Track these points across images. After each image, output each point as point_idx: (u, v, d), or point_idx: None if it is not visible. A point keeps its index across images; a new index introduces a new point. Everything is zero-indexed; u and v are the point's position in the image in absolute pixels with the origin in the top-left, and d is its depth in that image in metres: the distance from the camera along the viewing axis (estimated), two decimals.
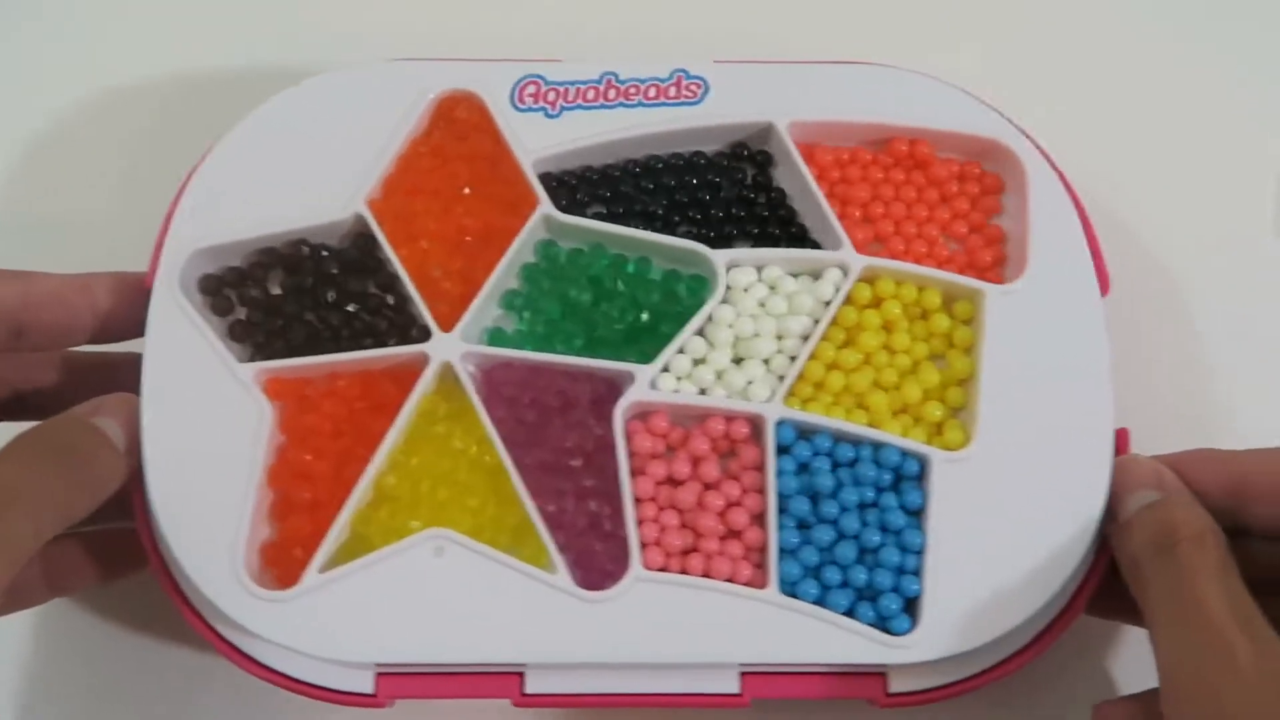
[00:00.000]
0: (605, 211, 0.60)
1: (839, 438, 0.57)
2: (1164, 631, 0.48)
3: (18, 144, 0.70)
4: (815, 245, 0.60)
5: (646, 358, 0.57)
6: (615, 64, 0.60)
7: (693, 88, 0.60)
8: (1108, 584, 0.55)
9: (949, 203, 0.61)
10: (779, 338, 0.58)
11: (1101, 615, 0.57)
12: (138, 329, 0.56)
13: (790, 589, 0.54)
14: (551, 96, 0.60)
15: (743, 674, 0.55)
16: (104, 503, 0.53)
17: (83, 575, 0.57)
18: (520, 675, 0.55)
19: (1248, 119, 0.71)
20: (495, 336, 0.58)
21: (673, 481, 0.57)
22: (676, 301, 0.59)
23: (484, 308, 0.58)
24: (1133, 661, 0.60)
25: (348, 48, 0.69)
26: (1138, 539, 0.51)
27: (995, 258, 0.60)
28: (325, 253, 0.59)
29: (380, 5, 0.73)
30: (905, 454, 0.56)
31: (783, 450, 0.56)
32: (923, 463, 0.56)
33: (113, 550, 0.58)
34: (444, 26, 0.72)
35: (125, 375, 0.55)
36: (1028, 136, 0.60)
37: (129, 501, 0.55)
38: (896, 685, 0.55)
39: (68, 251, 0.64)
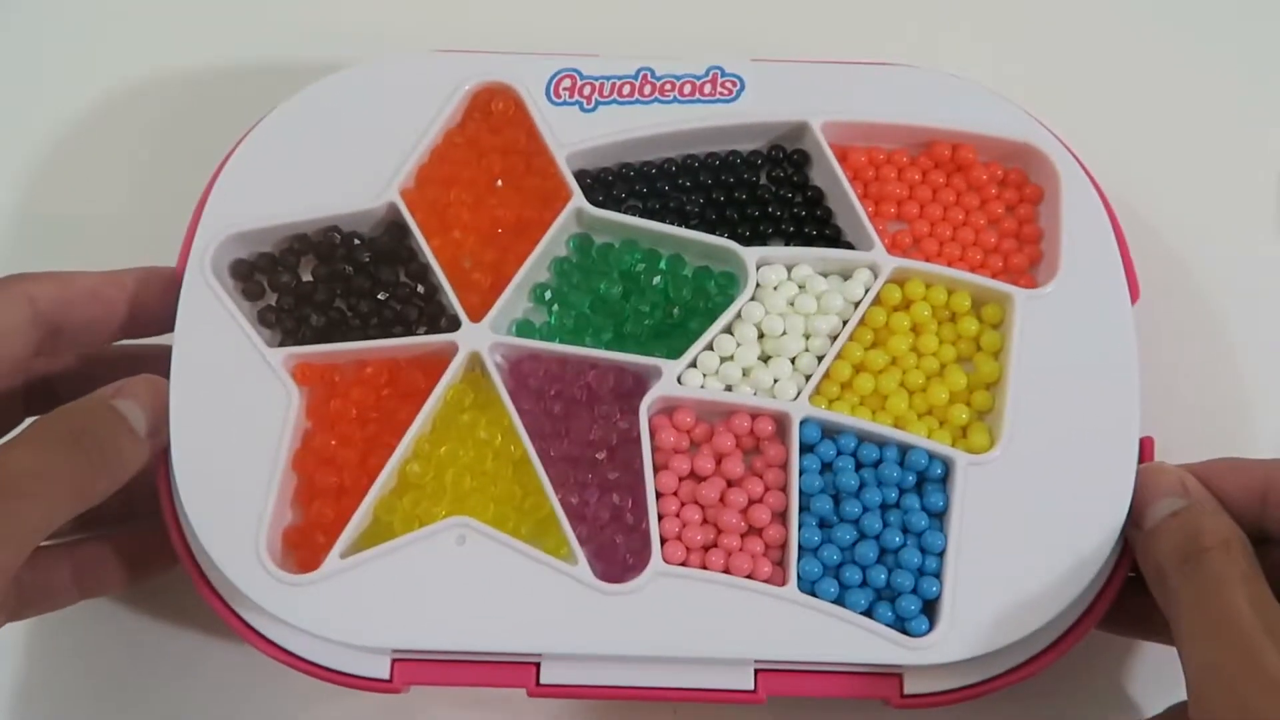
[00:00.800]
0: (640, 207, 0.60)
1: (863, 438, 0.57)
2: (1191, 640, 0.48)
3: (43, 140, 0.71)
4: (848, 246, 0.60)
5: (674, 353, 0.57)
6: (651, 60, 0.60)
7: (728, 85, 0.60)
8: (1120, 600, 0.55)
9: (985, 207, 0.61)
10: (807, 336, 0.58)
11: (1114, 631, 0.57)
12: (170, 323, 0.57)
13: (809, 587, 0.54)
14: (587, 91, 0.60)
15: (758, 671, 0.55)
16: (135, 495, 0.54)
17: (111, 577, 0.57)
18: (536, 665, 0.55)
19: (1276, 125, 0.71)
20: (524, 328, 0.59)
21: (696, 477, 0.57)
22: (706, 298, 0.59)
23: (514, 299, 0.58)
24: (1149, 667, 0.60)
25: (384, 39, 0.69)
26: (1163, 547, 0.51)
27: (1025, 261, 0.60)
28: (357, 241, 0.59)
29: None
30: (929, 456, 0.56)
31: (807, 449, 0.56)
32: (947, 465, 0.56)
33: (141, 552, 0.58)
34: (480, 19, 0.72)
35: (159, 367, 0.56)
36: (1061, 141, 0.60)
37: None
38: (912, 687, 0.54)
39: (97, 243, 0.66)
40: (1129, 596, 0.54)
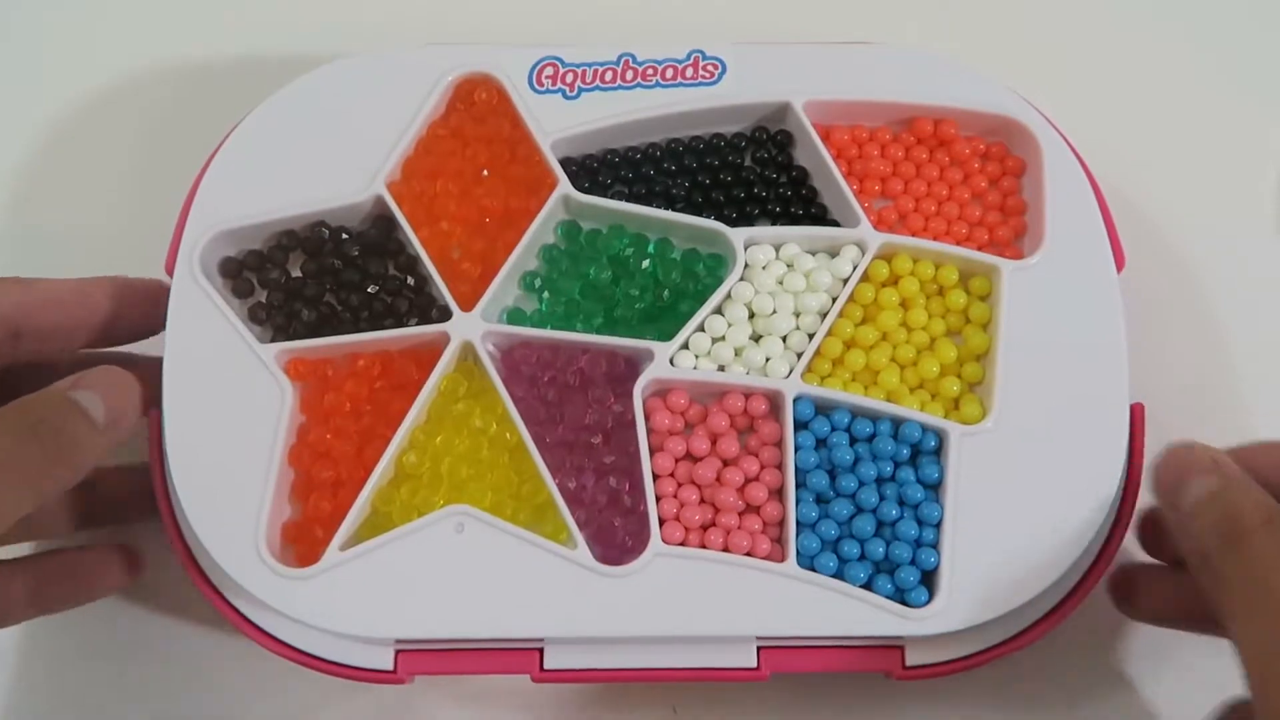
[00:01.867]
0: (626, 192, 0.61)
1: (857, 413, 0.57)
2: (1245, 623, 0.46)
3: (26, 139, 0.70)
4: (834, 224, 0.60)
5: (665, 335, 0.58)
6: (632, 45, 0.61)
7: (710, 68, 0.60)
8: (1156, 589, 0.55)
9: (969, 181, 0.61)
10: (797, 315, 0.58)
11: (1156, 623, 0.57)
12: (143, 332, 0.57)
13: (809, 562, 0.55)
14: (569, 78, 0.60)
15: (761, 648, 0.55)
16: (95, 505, 0.56)
17: (69, 592, 0.57)
18: (539, 651, 0.55)
19: (1256, 101, 0.71)
20: (515, 316, 0.59)
21: (692, 457, 0.57)
22: (695, 280, 0.59)
23: (504, 288, 0.59)
24: (1147, 633, 0.60)
25: (366, 33, 0.69)
26: (1203, 528, 0.49)
27: (1011, 234, 0.60)
28: (345, 235, 0.60)
29: None
30: (923, 428, 0.56)
31: (801, 426, 0.57)
32: (940, 437, 0.56)
33: (100, 566, 0.58)
34: (462, 10, 0.72)
35: (146, 371, 0.56)
36: (1042, 113, 0.60)
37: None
38: (913, 658, 0.55)
39: (83, 244, 0.65)
40: (1161, 583, 0.54)
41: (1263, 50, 0.71)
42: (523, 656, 0.55)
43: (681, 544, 0.55)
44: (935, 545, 0.54)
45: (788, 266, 0.59)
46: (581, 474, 0.56)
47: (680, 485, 0.56)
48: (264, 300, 0.59)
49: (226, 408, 0.56)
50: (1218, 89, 0.70)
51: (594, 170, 0.61)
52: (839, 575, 0.54)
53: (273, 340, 0.58)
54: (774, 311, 0.58)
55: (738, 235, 0.58)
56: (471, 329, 0.57)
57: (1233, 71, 0.71)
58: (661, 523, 0.55)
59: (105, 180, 0.69)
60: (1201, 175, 0.68)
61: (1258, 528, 0.47)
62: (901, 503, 0.55)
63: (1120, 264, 0.58)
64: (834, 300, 0.58)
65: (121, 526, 0.60)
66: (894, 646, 0.55)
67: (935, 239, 0.60)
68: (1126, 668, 0.60)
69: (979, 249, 0.59)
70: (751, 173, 0.61)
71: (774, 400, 0.57)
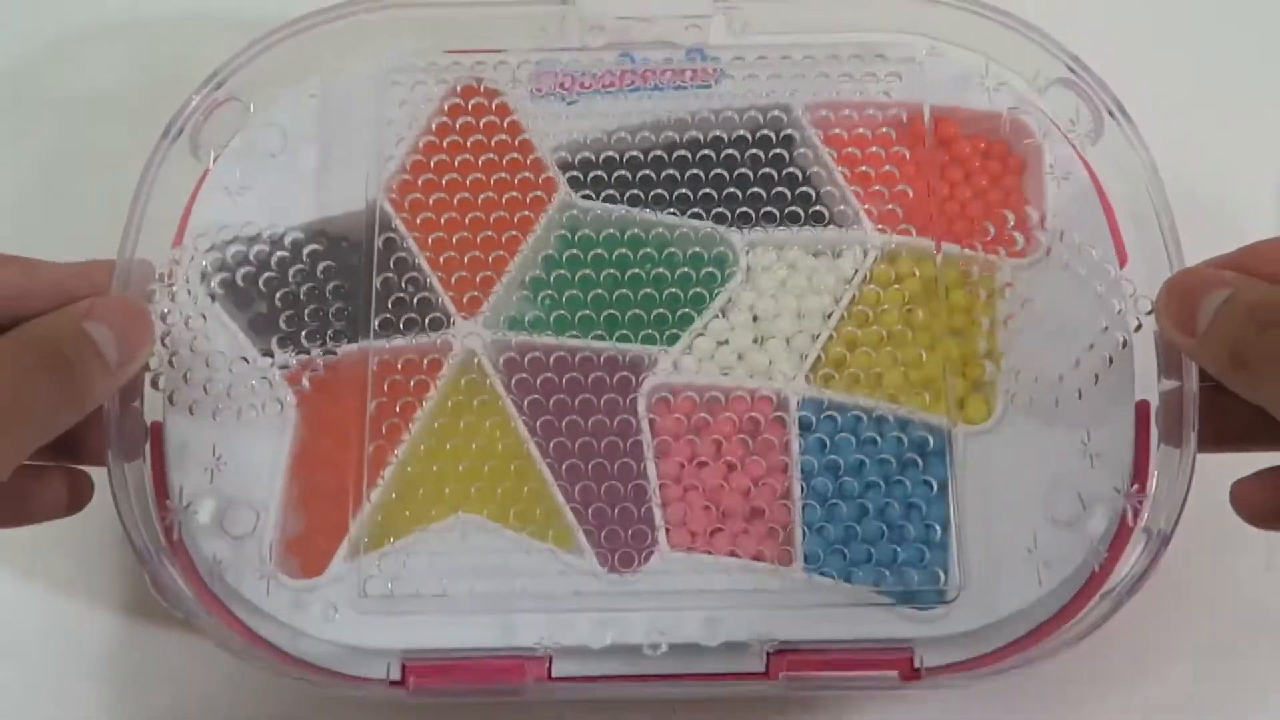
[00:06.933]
0: (627, 197, 0.60)
1: (861, 414, 0.57)
2: None
3: (32, 141, 0.70)
4: (836, 225, 0.60)
5: (668, 340, 0.58)
6: (631, 49, 0.60)
7: (709, 70, 0.60)
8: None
9: (970, 180, 0.61)
10: (800, 317, 0.58)
11: (1214, 450, 0.54)
12: None
13: (816, 566, 0.54)
14: (568, 83, 0.60)
15: (768, 653, 0.54)
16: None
17: (5, 513, 0.54)
18: (548, 659, 0.55)
19: (1257, 101, 0.71)
20: (516, 322, 0.59)
21: (697, 462, 0.57)
22: (697, 283, 0.59)
23: (505, 294, 0.59)
24: (1163, 629, 0.60)
25: (365, 38, 0.69)
26: (1233, 329, 0.47)
27: (1012, 233, 0.60)
28: (345, 243, 0.59)
29: None
30: (928, 428, 0.56)
31: (806, 428, 0.57)
32: (946, 436, 0.56)
33: (43, 490, 0.54)
34: (460, 14, 0.72)
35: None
36: (1043, 111, 0.60)
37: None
38: (923, 660, 0.54)
39: (78, 252, 0.65)
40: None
41: (1263, 50, 0.71)
42: (531, 665, 0.54)
43: (688, 549, 0.55)
44: (943, 546, 0.54)
45: (790, 269, 0.59)
46: (586, 480, 0.56)
47: (686, 490, 0.56)
48: (264, 311, 0.59)
49: (229, 419, 0.56)
50: (1218, 88, 0.70)
51: (594, 174, 0.61)
52: (847, 578, 0.54)
53: (273, 351, 0.58)
54: (777, 314, 0.58)
55: (739, 238, 0.58)
56: (473, 336, 0.57)
57: (1233, 71, 0.71)
58: (668, 528, 0.55)
59: (103, 185, 0.69)
60: (1201, 175, 0.68)
61: None
62: (908, 504, 0.55)
63: (1123, 260, 0.58)
64: (837, 302, 0.58)
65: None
66: (903, 649, 0.54)
67: (937, 239, 0.60)
68: (1134, 667, 0.60)
69: (981, 248, 0.59)
70: (752, 175, 0.61)
71: (778, 403, 0.57)
